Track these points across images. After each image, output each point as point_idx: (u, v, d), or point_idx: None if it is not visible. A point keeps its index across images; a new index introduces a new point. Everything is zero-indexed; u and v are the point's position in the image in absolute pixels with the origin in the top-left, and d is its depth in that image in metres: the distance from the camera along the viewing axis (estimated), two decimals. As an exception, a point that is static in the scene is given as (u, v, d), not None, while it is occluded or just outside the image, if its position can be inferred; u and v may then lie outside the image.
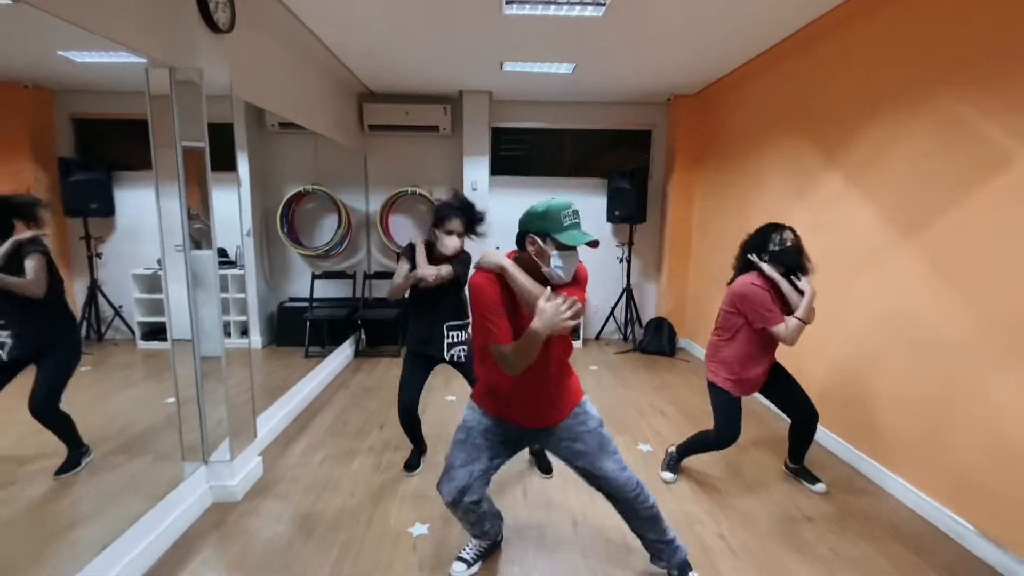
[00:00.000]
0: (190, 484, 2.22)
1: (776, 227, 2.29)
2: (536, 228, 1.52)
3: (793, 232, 2.27)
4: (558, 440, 1.75)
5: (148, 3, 1.92)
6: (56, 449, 2.24)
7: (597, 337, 5.46)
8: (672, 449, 2.65)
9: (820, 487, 2.48)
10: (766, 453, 2.88)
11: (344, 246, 4.99)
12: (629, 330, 5.25)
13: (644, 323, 5.20)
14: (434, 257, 2.37)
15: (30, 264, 2.02)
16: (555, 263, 1.50)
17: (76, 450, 2.33)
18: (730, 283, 2.36)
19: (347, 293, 5.07)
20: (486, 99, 4.88)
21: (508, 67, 3.95)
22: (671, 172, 5.04)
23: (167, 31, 2.02)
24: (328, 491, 2.45)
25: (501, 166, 5.31)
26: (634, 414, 3.42)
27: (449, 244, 2.31)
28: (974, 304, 2.08)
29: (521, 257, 1.59)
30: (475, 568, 1.92)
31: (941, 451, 2.24)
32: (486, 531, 1.91)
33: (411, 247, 2.43)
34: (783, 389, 2.44)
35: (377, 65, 4.05)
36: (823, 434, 2.96)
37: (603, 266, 5.30)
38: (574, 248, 1.51)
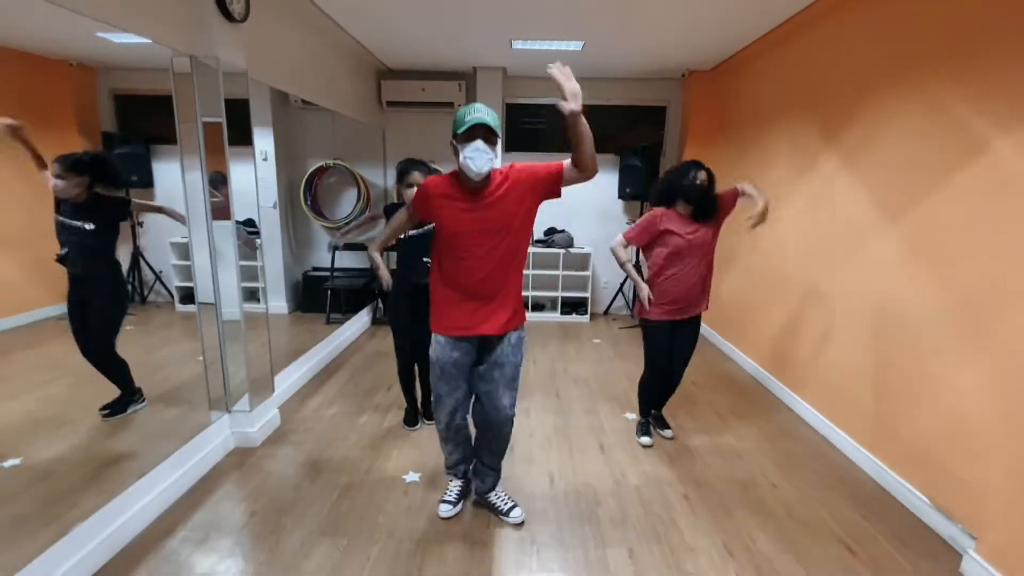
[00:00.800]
0: (215, 429, 2.53)
1: (694, 165, 2.51)
2: (453, 134, 1.75)
3: (709, 174, 2.48)
4: (485, 361, 1.95)
5: (169, -1, 2.12)
6: (104, 397, 2.58)
7: (605, 312, 5.59)
8: (639, 418, 2.86)
9: (668, 433, 2.83)
10: (744, 422, 3.02)
11: (363, 219, 5.23)
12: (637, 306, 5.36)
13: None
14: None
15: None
16: (463, 156, 1.70)
17: (129, 395, 2.66)
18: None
19: (366, 264, 5.35)
20: (499, 75, 4.95)
21: (517, 45, 4.02)
22: (684, 149, 5.03)
23: (187, 23, 2.22)
24: (336, 441, 2.73)
25: (517, 141, 5.40)
26: (626, 384, 3.60)
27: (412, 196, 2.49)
28: (944, 286, 2.14)
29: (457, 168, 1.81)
30: (459, 508, 2.18)
31: (902, 424, 2.34)
32: (465, 456, 2.18)
33: (395, 206, 2.63)
34: (685, 338, 2.64)
35: (392, 43, 4.18)
36: (796, 402, 3.08)
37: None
38: (474, 137, 1.68)
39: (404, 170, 2.54)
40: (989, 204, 1.94)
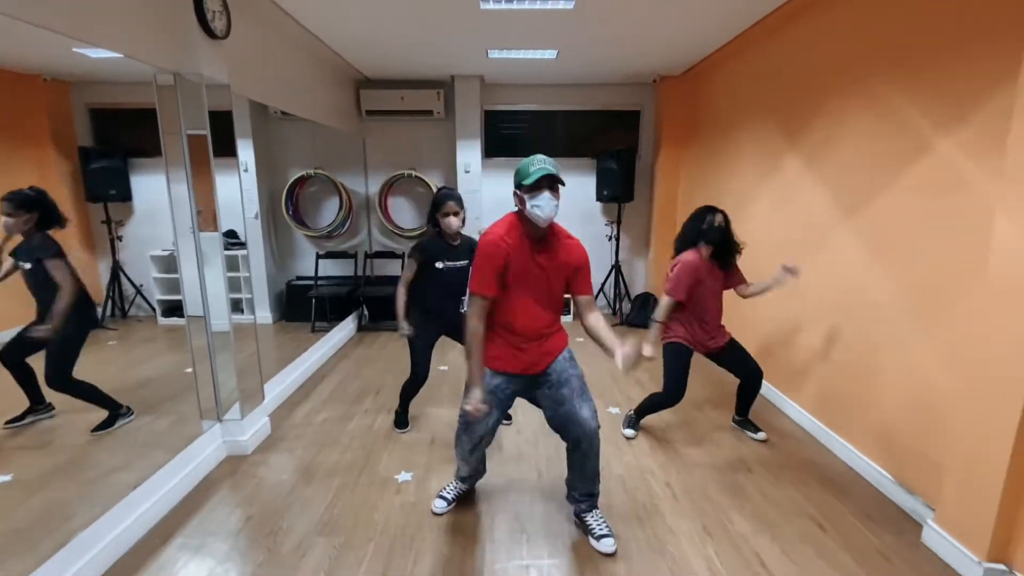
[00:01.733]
0: (207, 438, 2.56)
1: (708, 210, 2.63)
2: (516, 184, 1.81)
3: (724, 216, 2.62)
4: (547, 383, 1.98)
5: (152, 18, 2.16)
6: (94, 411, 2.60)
7: (588, 311, 5.71)
8: (631, 411, 2.96)
9: (761, 435, 2.84)
10: (720, 412, 3.15)
11: (346, 227, 5.28)
12: (618, 305, 5.50)
13: (632, 298, 5.44)
14: (442, 238, 2.64)
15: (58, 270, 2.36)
16: (530, 205, 1.76)
17: (114, 411, 2.68)
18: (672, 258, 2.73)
19: (350, 272, 5.39)
20: (477, 83, 5.05)
21: (493, 54, 4.13)
22: (658, 152, 5.20)
23: (170, 41, 2.27)
24: (327, 446, 2.79)
25: (495, 147, 5.50)
26: (608, 380, 3.71)
27: (451, 224, 2.58)
28: (899, 277, 2.30)
29: (517, 212, 1.87)
30: (451, 507, 2.24)
31: (867, 407, 2.49)
32: (478, 472, 2.26)
33: (421, 249, 2.65)
34: (736, 358, 2.76)
35: (370, 54, 4.25)
36: (771, 392, 3.23)
37: (592, 244, 5.49)
38: (541, 188, 1.74)
39: (440, 200, 2.60)
40: (935, 200, 2.11)
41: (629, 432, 2.88)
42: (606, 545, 1.98)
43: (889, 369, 2.36)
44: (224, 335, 2.63)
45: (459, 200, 2.61)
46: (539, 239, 1.87)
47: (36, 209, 2.34)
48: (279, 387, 3.37)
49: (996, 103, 1.83)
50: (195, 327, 2.60)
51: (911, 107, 2.22)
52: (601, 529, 2.02)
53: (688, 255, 2.63)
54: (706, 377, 3.74)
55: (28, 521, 2.05)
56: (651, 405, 2.84)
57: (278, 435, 2.92)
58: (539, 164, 1.76)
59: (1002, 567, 1.78)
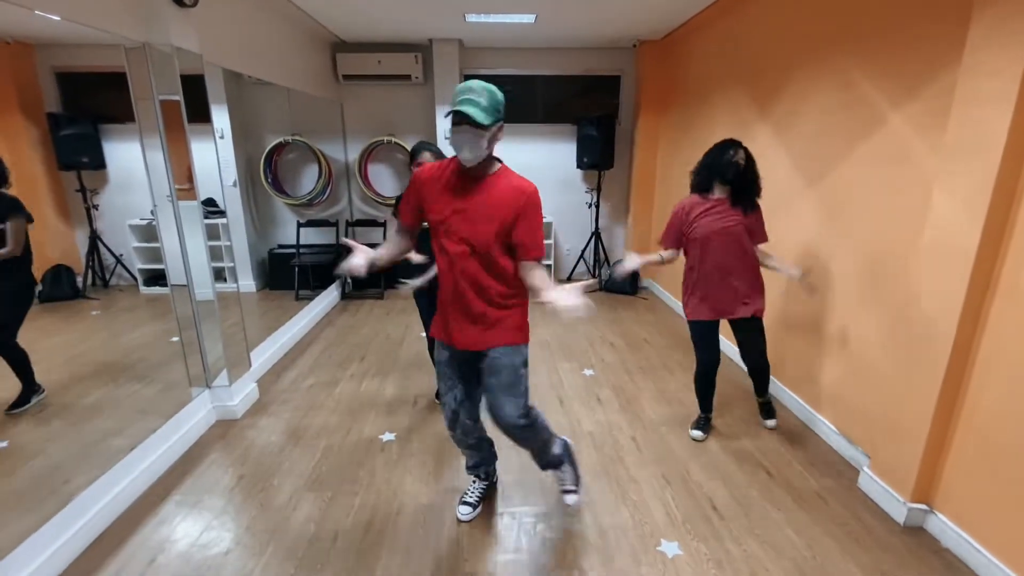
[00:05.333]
0: (197, 404, 2.67)
1: (729, 143, 2.32)
2: None
3: (746, 152, 2.30)
4: (484, 367, 1.77)
5: (119, -13, 2.13)
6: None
7: (568, 278, 5.85)
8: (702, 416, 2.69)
9: (771, 423, 2.67)
10: (689, 373, 3.34)
11: (326, 195, 5.27)
12: (598, 271, 5.64)
13: (612, 264, 5.58)
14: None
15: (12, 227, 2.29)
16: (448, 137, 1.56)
17: (30, 388, 2.55)
18: None
19: (332, 240, 5.41)
20: (456, 47, 4.98)
21: (471, 18, 4.07)
22: (637, 118, 5.22)
23: (138, 12, 2.24)
24: (314, 410, 2.92)
25: (475, 114, 5.46)
26: (584, 343, 3.88)
27: None
28: (851, 246, 2.45)
29: None
30: (478, 511, 2.09)
31: (818, 366, 2.68)
32: (483, 459, 2.09)
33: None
34: (747, 339, 2.52)
35: (346, 15, 4.15)
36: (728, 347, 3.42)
37: (573, 210, 5.61)
38: (459, 123, 1.50)
39: (415, 151, 2.51)
40: (885, 171, 2.23)
41: (697, 434, 2.60)
42: (569, 500, 2.06)
43: (838, 331, 2.54)
44: (208, 304, 2.70)
45: (437, 153, 2.43)
46: (472, 178, 1.61)
47: None
48: (265, 354, 3.47)
49: (943, 82, 1.93)
50: (179, 296, 2.66)
51: (866, 82, 2.31)
52: (564, 484, 2.07)
53: (681, 201, 2.39)
54: (678, 339, 3.92)
55: (28, 483, 2.17)
56: (696, 388, 2.63)
57: (266, 400, 3.04)
58: (461, 95, 1.50)
59: (924, 506, 2.01)
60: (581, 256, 5.73)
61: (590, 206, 5.55)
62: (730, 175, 2.29)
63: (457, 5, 3.81)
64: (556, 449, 2.00)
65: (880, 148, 2.25)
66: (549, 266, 5.59)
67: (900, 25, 2.12)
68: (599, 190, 5.40)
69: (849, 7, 2.42)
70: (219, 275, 2.80)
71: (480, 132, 1.50)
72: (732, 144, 2.32)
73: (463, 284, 1.67)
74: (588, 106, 5.38)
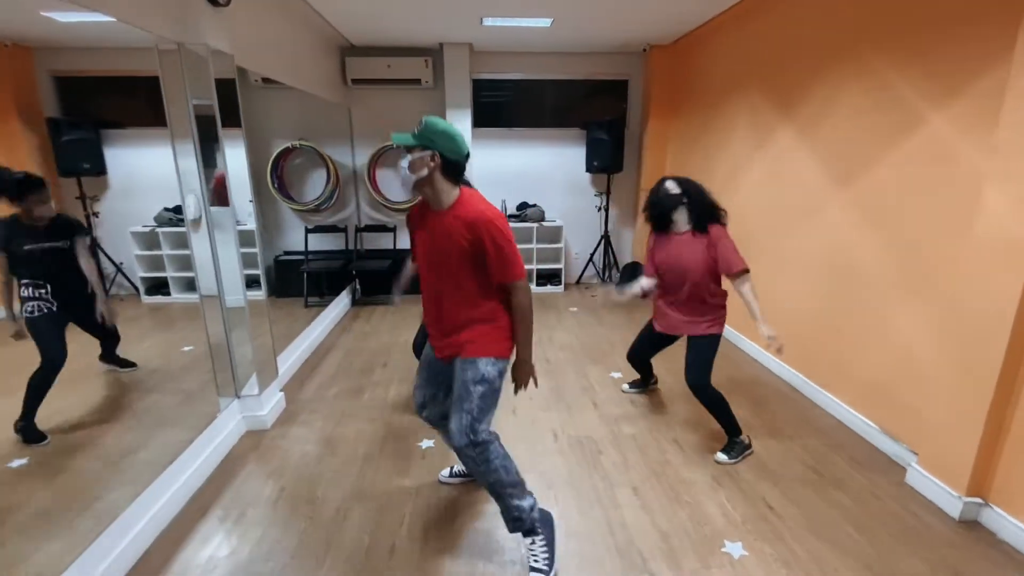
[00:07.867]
0: (227, 415, 2.58)
1: (660, 181, 2.44)
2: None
3: (676, 181, 2.38)
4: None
5: (156, -17, 2.07)
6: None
7: (578, 282, 5.84)
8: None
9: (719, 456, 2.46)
10: (719, 376, 3.35)
11: (334, 200, 5.19)
12: (607, 274, 5.64)
13: (621, 267, 5.59)
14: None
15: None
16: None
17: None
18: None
19: (340, 246, 5.33)
20: (466, 51, 4.96)
21: (488, 22, 4.06)
22: (646, 122, 5.26)
23: (172, 10, 2.17)
24: (346, 418, 2.84)
25: (483, 118, 5.45)
26: (607, 346, 3.87)
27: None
28: (889, 244, 2.47)
29: None
30: (452, 480, 2.27)
31: (855, 366, 2.70)
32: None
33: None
34: (688, 358, 2.49)
35: (357, 19, 4.11)
36: (760, 353, 3.44)
37: (582, 214, 5.62)
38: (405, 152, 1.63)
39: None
40: (926, 171, 2.26)
41: (722, 457, 2.44)
42: None
43: (878, 329, 2.56)
44: (239, 311, 2.62)
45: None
46: (432, 212, 1.70)
47: None
48: (287, 362, 3.38)
49: (988, 81, 1.97)
50: (208, 304, 2.57)
51: (904, 83, 2.34)
52: (533, 561, 1.76)
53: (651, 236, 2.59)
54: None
55: (55, 502, 2.06)
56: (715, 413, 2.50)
57: (293, 409, 2.96)
58: (418, 127, 1.61)
59: (979, 500, 2.02)
60: (590, 259, 5.73)
61: (599, 209, 5.56)
62: (666, 206, 2.38)
63: (474, 8, 3.80)
64: (519, 501, 1.75)
65: (921, 148, 2.29)
66: (559, 269, 5.58)
67: (940, 24, 2.16)
68: (608, 193, 5.42)
69: (883, 8, 2.46)
70: (251, 283, 2.72)
71: (423, 165, 1.60)
72: (660, 181, 2.44)
73: (435, 304, 1.79)
74: (595, 111, 5.40)
